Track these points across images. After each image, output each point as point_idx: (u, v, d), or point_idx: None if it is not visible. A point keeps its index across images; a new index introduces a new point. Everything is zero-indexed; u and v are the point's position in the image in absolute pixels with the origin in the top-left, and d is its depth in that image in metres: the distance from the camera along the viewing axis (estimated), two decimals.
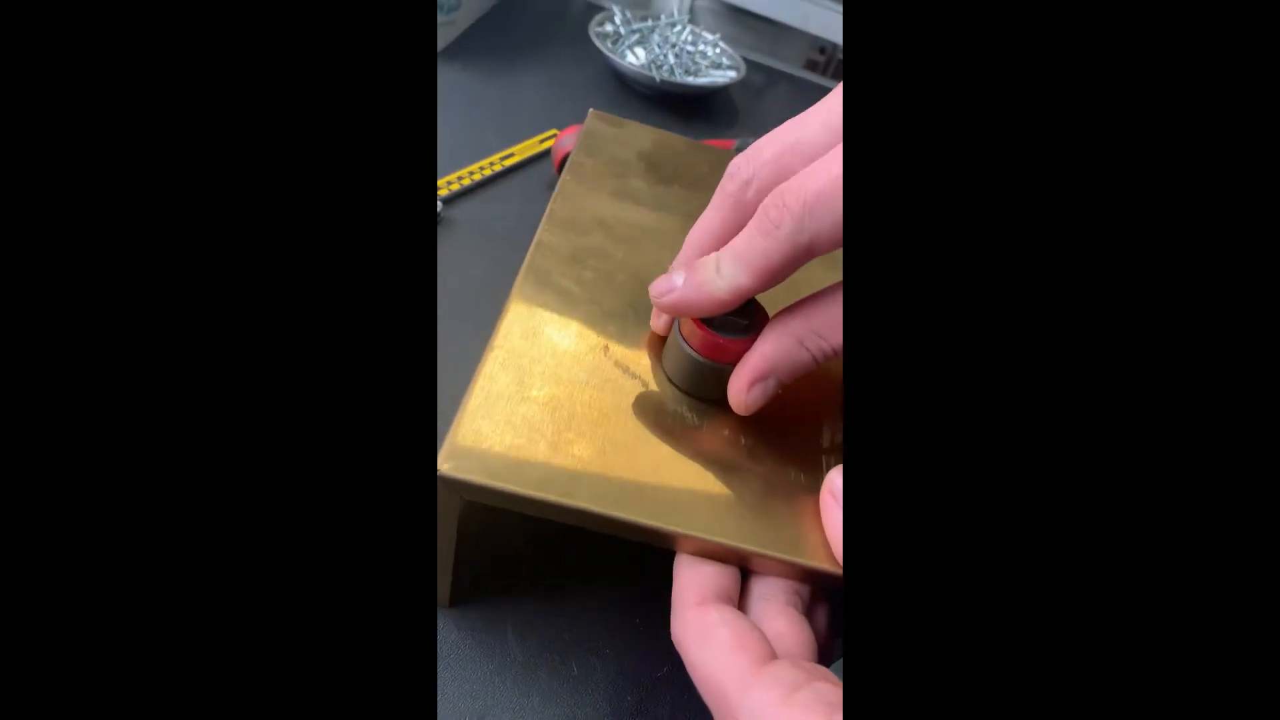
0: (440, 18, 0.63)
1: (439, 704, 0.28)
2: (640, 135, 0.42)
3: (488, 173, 0.53)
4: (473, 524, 0.33)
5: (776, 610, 0.24)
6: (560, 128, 0.58)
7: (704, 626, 0.22)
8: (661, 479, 0.24)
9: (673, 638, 0.23)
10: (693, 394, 0.27)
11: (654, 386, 0.27)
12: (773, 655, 0.21)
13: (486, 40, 0.70)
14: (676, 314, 0.26)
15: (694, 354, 0.26)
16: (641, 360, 0.28)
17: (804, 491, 0.25)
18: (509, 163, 0.55)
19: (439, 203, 0.49)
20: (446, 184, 0.51)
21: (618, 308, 0.30)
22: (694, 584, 0.23)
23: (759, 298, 0.26)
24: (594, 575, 0.34)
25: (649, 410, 0.27)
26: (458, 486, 0.23)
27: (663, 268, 0.33)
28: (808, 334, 0.24)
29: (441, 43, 0.65)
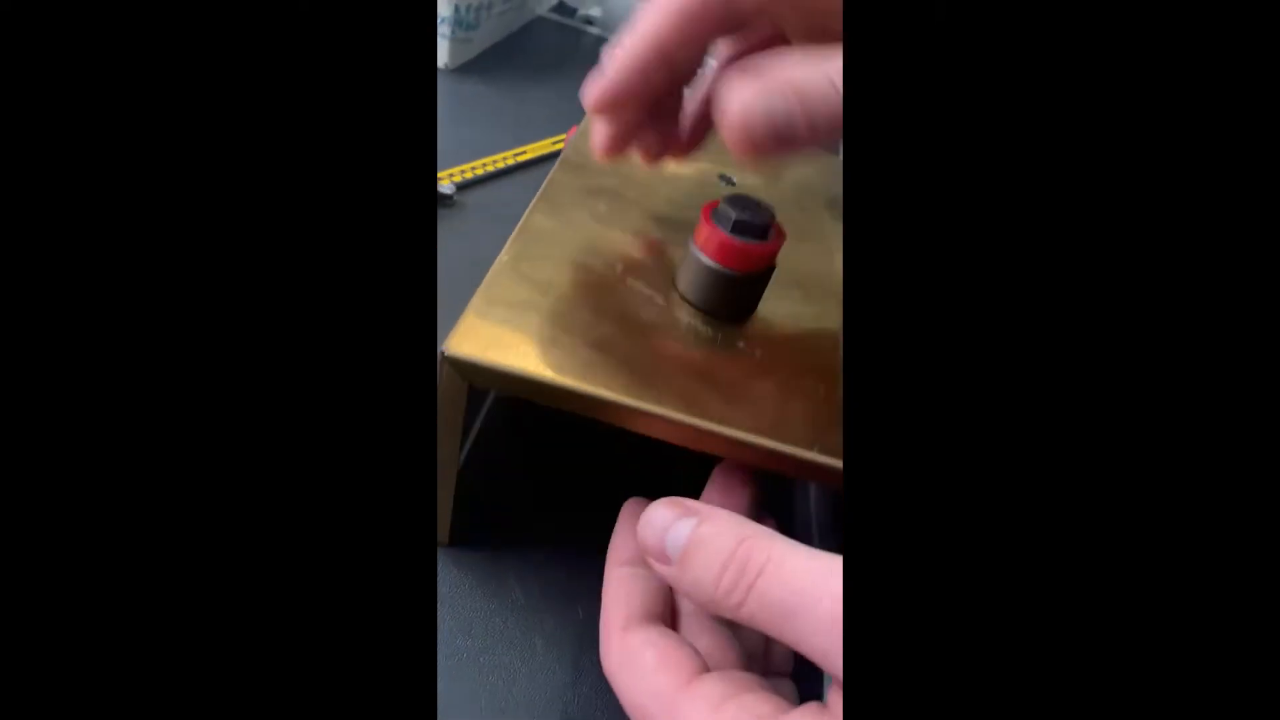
0: (460, 34, 0.66)
1: (439, 642, 0.26)
2: None
3: (500, 165, 0.54)
4: (476, 461, 0.32)
5: (700, 626, 0.22)
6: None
7: (628, 651, 0.20)
8: (667, 375, 0.23)
9: (603, 668, 0.21)
10: (708, 309, 0.27)
11: (666, 303, 0.27)
12: (703, 668, 0.19)
13: (503, 60, 0.73)
14: (605, 104, 0.23)
15: (710, 262, 0.25)
16: (655, 280, 0.28)
17: (821, 402, 0.24)
18: (521, 158, 0.56)
19: (453, 186, 0.49)
20: (460, 171, 0.51)
21: (630, 236, 0.30)
22: (619, 607, 0.21)
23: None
24: (600, 521, 0.32)
25: (659, 319, 0.26)
26: (461, 367, 0.22)
27: (676, 209, 0.33)
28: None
29: (460, 59, 0.68)
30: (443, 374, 0.22)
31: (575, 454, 0.35)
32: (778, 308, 0.28)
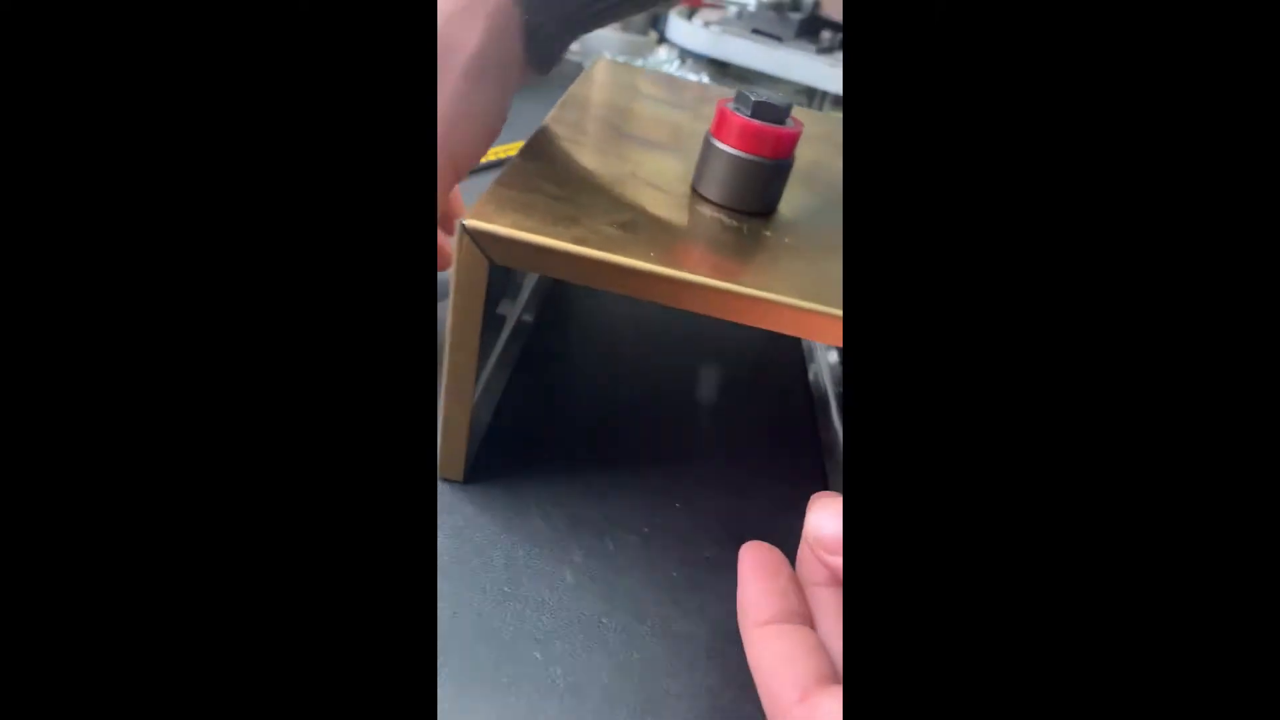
0: None
1: (458, 576, 0.24)
2: (650, 75, 0.42)
3: (493, 159, 0.54)
4: (490, 397, 0.30)
5: None
6: None
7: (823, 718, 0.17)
8: (697, 252, 0.22)
9: None
10: (732, 203, 0.26)
11: (687, 202, 0.26)
12: None
13: None
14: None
15: (731, 150, 0.25)
16: (672, 183, 0.27)
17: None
18: (511, 153, 0.56)
19: None
20: None
21: (642, 147, 0.29)
22: (785, 675, 0.18)
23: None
24: (624, 456, 0.30)
25: (681, 213, 0.25)
26: (482, 239, 0.21)
27: (682, 130, 0.33)
28: None
29: None
30: (461, 248, 0.21)
31: (597, 387, 0.34)
32: (799, 204, 0.27)
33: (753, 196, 0.25)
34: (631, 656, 0.23)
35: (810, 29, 0.92)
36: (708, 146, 0.25)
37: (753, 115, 0.24)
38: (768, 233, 0.25)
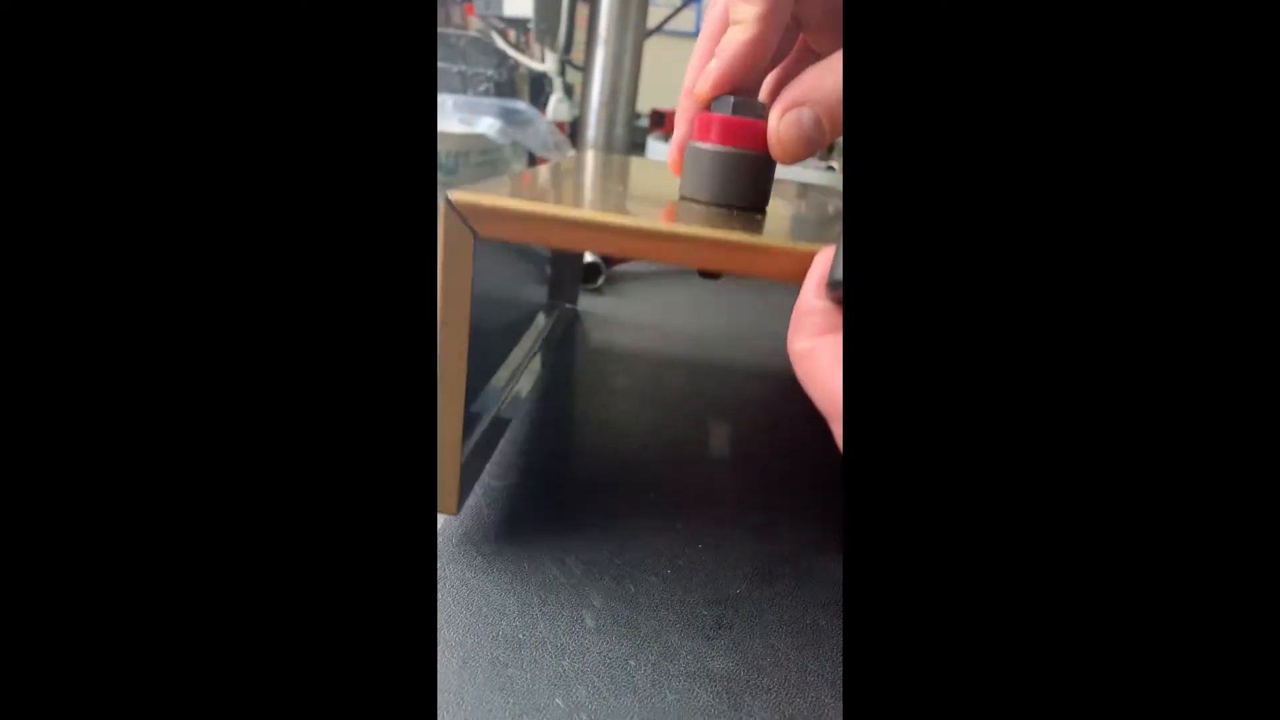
0: (441, 176, 0.71)
1: (468, 624, 0.22)
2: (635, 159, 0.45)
3: None
4: (486, 445, 0.29)
5: None
6: None
7: None
8: (690, 219, 0.22)
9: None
10: (721, 200, 0.26)
11: (678, 203, 0.26)
12: None
13: None
14: (720, 85, 0.25)
15: (716, 147, 0.25)
16: (666, 195, 0.27)
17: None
18: None
19: None
20: None
21: (632, 181, 0.30)
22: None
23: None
24: (640, 505, 0.29)
25: (670, 204, 0.25)
26: (468, 212, 0.20)
27: (663, 179, 0.34)
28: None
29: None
30: (445, 224, 0.20)
31: (607, 440, 0.33)
32: (789, 209, 0.28)
33: (740, 190, 0.26)
34: (665, 698, 0.20)
35: None
36: (692, 151, 0.26)
37: (734, 112, 0.25)
38: (758, 217, 0.25)
